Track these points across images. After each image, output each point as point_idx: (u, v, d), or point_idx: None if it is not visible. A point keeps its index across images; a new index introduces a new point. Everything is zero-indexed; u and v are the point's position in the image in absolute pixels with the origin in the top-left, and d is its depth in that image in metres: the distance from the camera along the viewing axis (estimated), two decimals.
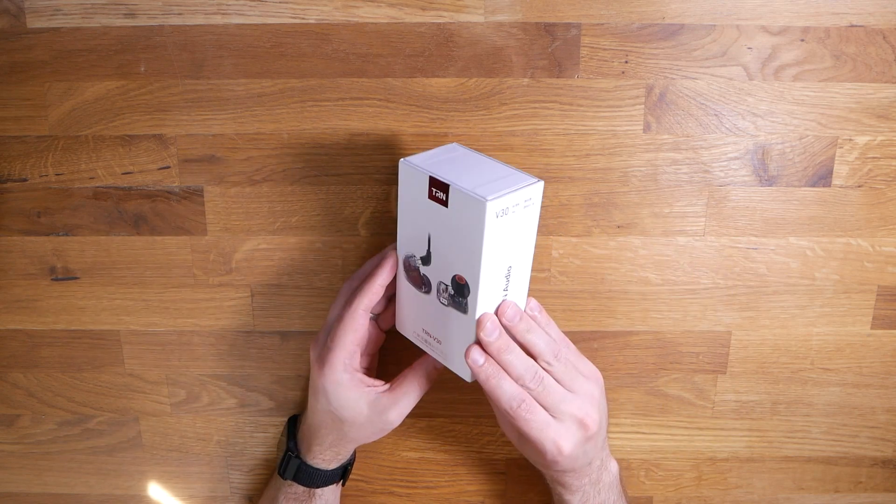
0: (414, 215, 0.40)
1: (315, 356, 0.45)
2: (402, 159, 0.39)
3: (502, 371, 0.40)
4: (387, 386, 0.45)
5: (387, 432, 0.47)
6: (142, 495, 0.57)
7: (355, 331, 0.43)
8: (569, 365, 0.42)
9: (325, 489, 0.50)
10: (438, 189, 0.37)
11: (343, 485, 0.52)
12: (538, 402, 0.41)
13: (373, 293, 0.43)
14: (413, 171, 0.39)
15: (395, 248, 0.43)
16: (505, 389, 0.40)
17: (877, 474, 0.56)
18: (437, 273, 0.40)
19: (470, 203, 0.36)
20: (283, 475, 0.49)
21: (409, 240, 0.41)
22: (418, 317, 0.44)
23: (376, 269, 0.43)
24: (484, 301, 0.39)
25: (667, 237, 0.50)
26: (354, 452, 0.53)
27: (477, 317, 0.40)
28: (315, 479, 0.49)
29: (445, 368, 0.44)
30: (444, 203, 0.37)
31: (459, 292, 0.40)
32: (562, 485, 0.46)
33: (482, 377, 0.40)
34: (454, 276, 0.39)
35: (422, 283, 0.42)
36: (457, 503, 0.56)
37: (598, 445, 0.45)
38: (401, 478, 0.56)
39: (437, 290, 0.41)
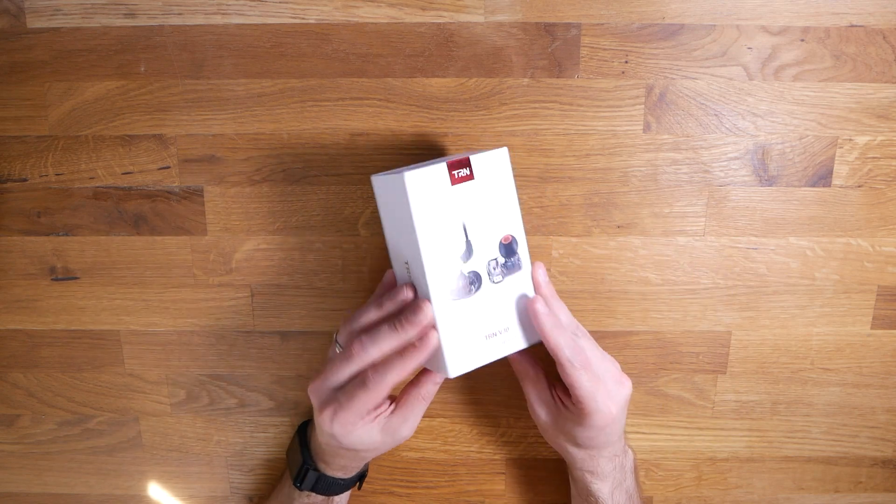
0: (439, 222, 0.39)
1: (319, 404, 0.43)
2: (405, 175, 0.38)
3: (560, 321, 0.42)
4: (392, 406, 0.44)
5: (400, 443, 0.46)
6: (142, 495, 0.57)
7: (376, 401, 0.41)
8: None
9: (343, 494, 0.50)
10: (461, 167, 0.39)
11: (359, 488, 0.53)
12: None
13: (405, 374, 0.40)
14: (423, 174, 0.38)
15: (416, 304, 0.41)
16: (564, 340, 0.41)
17: (877, 474, 0.56)
18: (482, 255, 0.40)
19: (491, 159, 0.40)
20: (300, 487, 0.48)
21: (439, 256, 0.39)
22: (475, 329, 0.41)
23: (412, 349, 0.40)
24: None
25: (667, 237, 0.50)
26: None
27: (528, 265, 0.42)
28: (334, 488, 0.48)
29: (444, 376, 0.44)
30: (471, 176, 0.39)
31: (510, 252, 0.41)
32: (593, 472, 0.47)
33: (548, 327, 0.41)
34: (500, 242, 0.41)
35: (470, 285, 0.40)
36: (457, 503, 0.56)
37: (625, 419, 0.46)
38: (401, 478, 0.56)
39: (489, 271, 0.41)
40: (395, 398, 0.45)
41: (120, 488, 0.57)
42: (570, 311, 0.51)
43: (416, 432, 0.54)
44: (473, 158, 0.39)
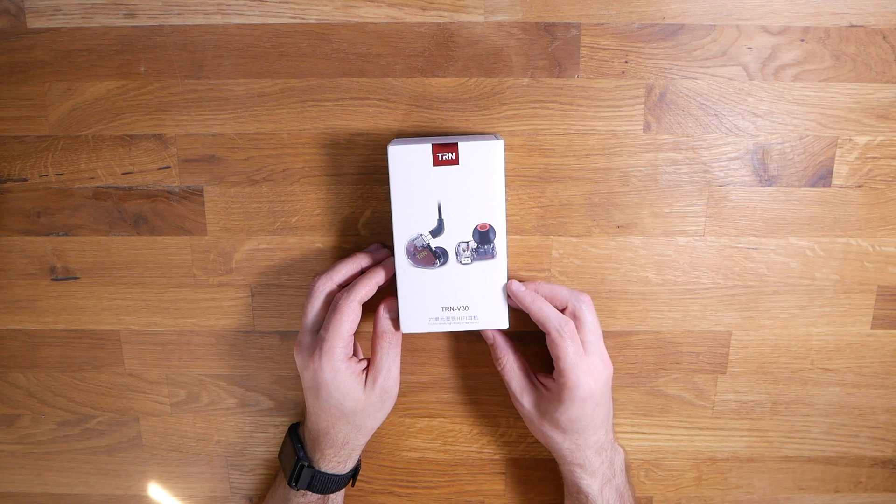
0: (414, 195, 0.42)
1: (307, 353, 0.45)
2: (389, 144, 0.42)
3: (538, 295, 0.45)
4: (365, 361, 0.47)
5: (392, 405, 0.48)
6: (142, 495, 0.57)
7: (352, 321, 0.44)
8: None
9: (338, 493, 0.50)
10: (446, 151, 0.41)
11: (353, 485, 0.53)
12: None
13: (369, 288, 0.44)
14: (409, 150, 0.41)
15: (388, 246, 0.45)
16: (550, 311, 0.44)
17: (877, 474, 0.56)
18: (454, 236, 0.43)
19: (483, 150, 0.41)
20: (296, 486, 0.48)
21: (409, 225, 0.43)
22: (433, 298, 0.44)
23: (373, 269, 0.45)
24: (505, 238, 0.44)
25: (667, 237, 0.50)
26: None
27: (504, 253, 0.43)
28: (330, 485, 0.48)
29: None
30: (455, 161, 0.41)
31: (484, 240, 0.43)
32: (582, 465, 0.47)
33: (528, 300, 0.44)
34: (475, 228, 0.42)
35: (435, 258, 0.43)
36: (457, 503, 0.56)
37: (609, 407, 0.48)
38: (401, 478, 0.56)
39: (457, 253, 0.43)
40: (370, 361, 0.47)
41: (120, 488, 0.57)
42: None
43: (416, 432, 0.55)
44: (463, 145, 0.41)
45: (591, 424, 0.46)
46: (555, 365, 0.45)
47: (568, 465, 0.48)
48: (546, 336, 0.44)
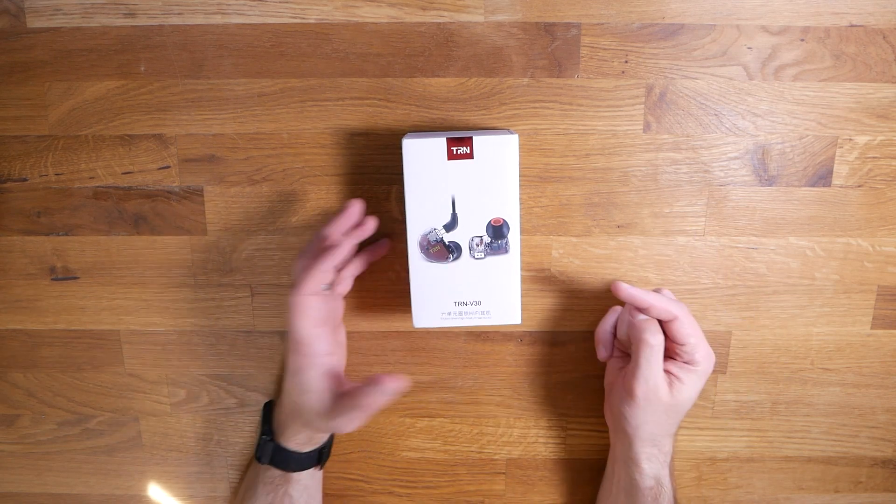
0: (427, 189, 0.42)
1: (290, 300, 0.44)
2: (403, 138, 0.42)
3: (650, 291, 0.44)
4: (351, 385, 0.43)
5: (338, 430, 0.45)
6: (142, 495, 0.57)
7: (328, 263, 0.42)
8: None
9: (303, 474, 0.49)
10: (460, 145, 0.41)
11: (321, 468, 0.52)
12: None
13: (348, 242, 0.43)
14: (423, 143, 0.42)
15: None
16: (661, 299, 0.44)
17: (877, 474, 0.56)
18: (467, 230, 0.43)
19: (498, 144, 0.41)
20: (259, 459, 0.50)
21: (422, 219, 0.43)
22: (446, 293, 0.44)
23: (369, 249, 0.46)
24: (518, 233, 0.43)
25: (667, 237, 0.50)
26: (332, 436, 0.53)
27: (517, 248, 0.43)
28: (290, 462, 0.49)
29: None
30: (470, 156, 0.42)
31: (498, 234, 0.43)
32: (659, 448, 0.47)
33: (640, 296, 0.44)
34: (489, 223, 0.43)
35: (448, 253, 0.43)
36: (457, 503, 0.56)
37: None
38: (401, 478, 0.56)
39: (471, 247, 0.43)
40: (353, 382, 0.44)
41: (120, 488, 0.57)
42: (570, 310, 0.52)
43: (416, 432, 0.55)
44: (478, 139, 0.41)
45: (693, 401, 0.46)
46: (686, 343, 0.45)
47: (644, 446, 0.47)
48: (673, 323, 0.44)
